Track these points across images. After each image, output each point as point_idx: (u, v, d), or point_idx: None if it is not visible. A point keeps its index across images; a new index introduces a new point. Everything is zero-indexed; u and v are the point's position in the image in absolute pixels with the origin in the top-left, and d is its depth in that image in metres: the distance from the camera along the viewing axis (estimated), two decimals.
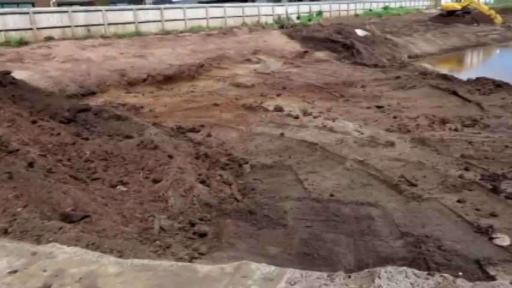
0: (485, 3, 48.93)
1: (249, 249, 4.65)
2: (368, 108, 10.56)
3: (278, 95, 12.37)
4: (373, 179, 6.52)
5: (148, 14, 23.09)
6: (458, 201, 5.75)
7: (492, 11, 36.94)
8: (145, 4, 34.41)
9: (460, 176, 6.42)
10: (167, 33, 22.21)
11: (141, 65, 15.78)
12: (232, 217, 5.19)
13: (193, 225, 4.78)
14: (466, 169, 6.69)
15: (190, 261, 4.13)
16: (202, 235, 4.66)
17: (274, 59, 19.49)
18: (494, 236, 4.86)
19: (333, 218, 5.41)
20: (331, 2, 38.00)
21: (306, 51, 21.13)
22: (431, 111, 10.07)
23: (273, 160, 7.35)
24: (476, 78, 12.99)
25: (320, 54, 20.88)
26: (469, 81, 12.99)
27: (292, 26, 27.40)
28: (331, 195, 6.02)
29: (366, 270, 2.25)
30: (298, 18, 33.03)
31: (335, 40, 21.93)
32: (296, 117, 9.76)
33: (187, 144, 7.14)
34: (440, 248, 4.69)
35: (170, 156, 6.13)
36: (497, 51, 28.23)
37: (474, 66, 23.80)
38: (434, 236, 4.93)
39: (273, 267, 2.46)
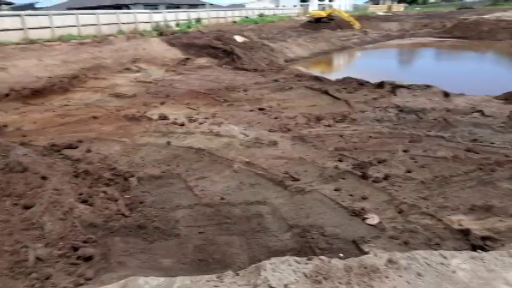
0: (346, 11, 54.85)
1: (141, 265, 4.46)
2: (251, 111, 10.98)
3: (162, 103, 12.12)
4: (260, 178, 6.80)
5: (6, 21, 20.59)
6: (336, 189, 6.33)
7: (351, 18, 41.65)
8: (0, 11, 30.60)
9: (335, 167, 7.08)
10: (32, 42, 20.08)
11: (1, 79, 14.00)
12: (120, 234, 4.92)
13: (76, 249, 4.41)
14: (340, 160, 7.39)
15: None
16: (88, 258, 4.33)
17: (156, 67, 19.05)
18: (366, 216, 5.48)
19: (225, 220, 5.50)
20: (209, 10, 38.65)
21: (187, 58, 21.10)
22: (308, 110, 10.91)
23: (160, 170, 7.17)
24: (343, 78, 14.47)
25: (202, 61, 21.04)
26: (337, 81, 14.40)
27: (171, 34, 27.10)
28: (222, 198, 6.11)
29: (252, 265, 2.35)
30: (177, 25, 32.81)
31: (215, 46, 22.34)
32: (182, 125, 9.68)
33: (63, 163, 6.56)
34: (323, 235, 5.11)
35: (44, 178, 5.55)
36: (359, 53, 31.84)
37: (341, 68, 26.44)
38: (317, 224, 5.35)
39: (162, 279, 2.41)
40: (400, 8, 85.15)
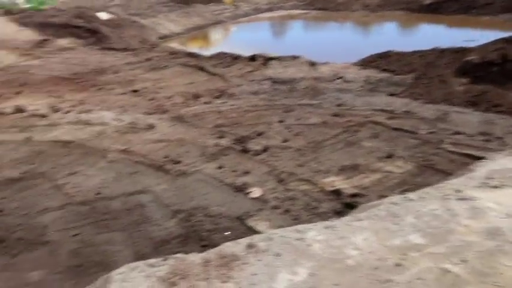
0: None
1: (5, 285, 3.87)
2: (123, 94, 10.27)
3: (18, 93, 10.58)
4: (139, 166, 6.44)
5: None
6: (218, 167, 6.32)
7: None
8: None
9: (216, 144, 7.06)
10: None
11: None
12: None
13: None
14: (221, 137, 7.39)
15: None
16: None
17: (6, 51, 16.49)
18: (249, 191, 5.59)
19: (103, 217, 5.08)
20: None
21: (45, 40, 18.70)
22: (185, 88, 10.63)
23: (20, 171, 6.29)
24: (217, 53, 14.41)
25: (63, 42, 18.87)
26: (212, 57, 14.28)
27: (20, 12, 23.67)
28: (98, 193, 5.63)
29: (101, 277, 2.15)
30: (28, 2, 28.81)
31: (77, 25, 20.23)
32: (44, 116, 8.59)
33: None
34: (208, 216, 5.07)
35: None
36: (233, 27, 32.10)
37: (217, 42, 26.39)
38: (202, 206, 5.29)
39: None
40: None
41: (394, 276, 2.06)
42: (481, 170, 2.92)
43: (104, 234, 4.74)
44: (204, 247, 4.43)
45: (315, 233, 2.33)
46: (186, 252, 4.44)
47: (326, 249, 2.23)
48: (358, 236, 2.32)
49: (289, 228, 2.36)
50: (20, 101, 9.73)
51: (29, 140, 7.38)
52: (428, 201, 2.60)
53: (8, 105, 9.33)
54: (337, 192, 5.48)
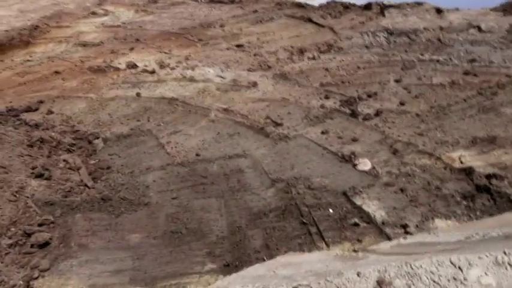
0: None
1: (106, 245, 3.96)
2: (228, 49, 10.00)
3: (131, 50, 11.03)
4: (239, 127, 6.16)
5: None
6: (323, 132, 5.73)
7: None
8: None
9: (322, 106, 6.41)
10: None
11: None
12: (82, 210, 4.37)
13: (29, 235, 3.86)
14: (326, 97, 6.70)
15: (27, 285, 3.32)
16: (43, 245, 3.80)
17: (124, 8, 17.44)
18: (357, 162, 4.92)
19: (201, 180, 4.94)
20: None
21: None
22: (290, 42, 9.95)
23: (129, 127, 6.47)
24: (327, 2, 13.23)
25: None
26: (321, 6, 13.17)
27: None
28: (197, 154, 5.50)
29: None
30: None
31: None
32: (152, 72, 8.78)
33: (16, 132, 5.83)
34: (310, 188, 4.58)
35: None
36: None
37: None
38: (303, 176, 4.81)
39: None
40: None
41: None
42: None
43: (200, 200, 4.58)
44: (304, 224, 4.01)
45: (479, 271, 1.60)
46: (285, 228, 4.09)
47: None
48: None
49: (440, 256, 1.61)
50: (133, 57, 10.12)
51: (138, 96, 7.59)
52: None
53: (122, 61, 9.76)
54: (467, 171, 4.50)
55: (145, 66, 9.19)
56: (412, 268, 1.66)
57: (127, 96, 7.68)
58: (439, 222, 3.82)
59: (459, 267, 1.65)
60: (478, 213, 3.93)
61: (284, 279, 1.89)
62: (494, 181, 4.25)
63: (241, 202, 4.50)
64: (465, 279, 1.61)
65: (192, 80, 8.10)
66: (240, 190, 4.70)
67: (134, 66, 9.22)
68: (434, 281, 1.61)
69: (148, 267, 3.69)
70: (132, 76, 8.74)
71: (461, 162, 4.65)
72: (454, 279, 1.62)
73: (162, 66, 9.04)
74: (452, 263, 1.66)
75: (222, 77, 8.06)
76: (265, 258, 3.58)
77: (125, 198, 4.56)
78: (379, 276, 1.66)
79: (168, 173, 5.14)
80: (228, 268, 3.58)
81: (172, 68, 8.81)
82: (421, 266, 1.66)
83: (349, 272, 1.69)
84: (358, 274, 1.67)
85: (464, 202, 4.10)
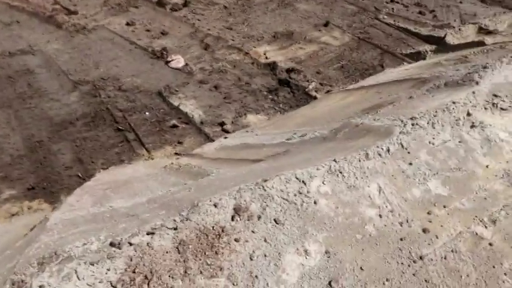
0: None
1: None
2: None
3: None
4: (18, 14, 4.89)
5: None
6: (128, 24, 5.11)
7: None
8: None
9: None
10: None
11: None
12: None
13: None
14: None
15: None
16: None
17: None
18: (169, 59, 4.65)
19: None
20: None
21: None
22: None
23: None
24: None
25: None
26: None
27: None
28: None
29: None
30: None
31: None
32: None
33: None
34: (121, 89, 4.15)
35: None
36: None
37: None
38: (112, 76, 4.30)
39: None
40: None
41: (424, 249, 1.68)
42: (484, 82, 2.51)
43: None
44: (120, 131, 3.69)
45: (319, 182, 1.73)
46: (98, 137, 3.67)
47: (338, 209, 1.71)
48: (371, 185, 1.81)
49: (287, 173, 1.65)
50: None
51: None
52: (439, 129, 2.15)
53: None
54: (271, 66, 4.83)
55: None
56: (264, 190, 1.70)
57: None
58: (250, 118, 4.07)
59: (303, 181, 1.78)
60: (281, 105, 4.35)
61: (128, 217, 1.68)
62: (293, 75, 4.70)
63: (38, 111, 3.76)
64: (308, 191, 1.75)
65: None
66: (34, 96, 3.89)
67: None
68: (283, 199, 1.70)
69: None
70: None
71: (266, 58, 4.94)
72: (300, 193, 1.74)
73: None
74: (297, 178, 1.77)
75: None
76: (79, 174, 3.19)
77: None
78: (235, 203, 1.64)
79: None
80: (34, 191, 3.07)
81: None
82: (272, 187, 1.71)
83: (206, 203, 1.61)
84: (216, 205, 1.60)
85: (270, 96, 4.45)
